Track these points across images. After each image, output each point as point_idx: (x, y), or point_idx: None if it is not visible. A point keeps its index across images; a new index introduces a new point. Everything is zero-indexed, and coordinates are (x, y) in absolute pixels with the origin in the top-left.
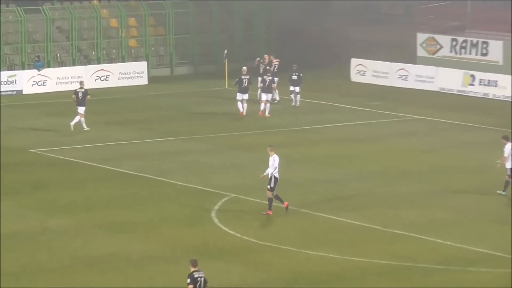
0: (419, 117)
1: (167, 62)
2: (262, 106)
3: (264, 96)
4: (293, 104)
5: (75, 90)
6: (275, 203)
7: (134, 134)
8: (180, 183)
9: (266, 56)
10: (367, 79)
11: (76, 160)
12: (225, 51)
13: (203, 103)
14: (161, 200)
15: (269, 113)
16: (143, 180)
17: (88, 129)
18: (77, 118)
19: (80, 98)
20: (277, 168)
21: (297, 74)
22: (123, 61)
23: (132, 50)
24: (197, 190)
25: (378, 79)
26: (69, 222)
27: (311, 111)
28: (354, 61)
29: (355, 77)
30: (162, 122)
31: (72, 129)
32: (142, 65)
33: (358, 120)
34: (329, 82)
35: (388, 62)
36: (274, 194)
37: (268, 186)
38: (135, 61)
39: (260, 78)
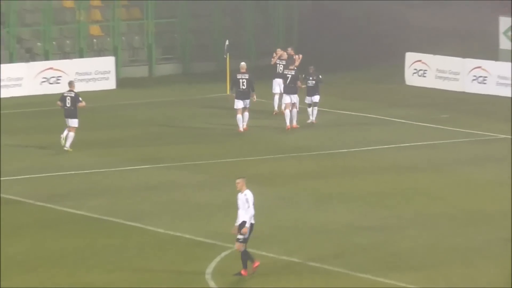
0: (502, 136)
1: (144, 57)
2: (287, 114)
3: (287, 99)
4: (308, 120)
5: (63, 94)
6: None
7: (97, 160)
8: (162, 230)
9: (278, 51)
10: (429, 81)
11: (12, 198)
12: (227, 42)
13: (195, 115)
14: (136, 255)
15: (297, 122)
16: (110, 227)
17: (70, 149)
18: (66, 132)
19: (68, 105)
20: (253, 211)
21: (314, 78)
22: (81, 56)
23: (95, 40)
24: (186, 241)
25: (445, 82)
26: None
27: (349, 128)
28: (411, 57)
29: (411, 79)
30: (137, 143)
31: (63, 142)
32: (108, 62)
33: (416, 140)
34: (374, 86)
35: (459, 58)
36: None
37: (240, 237)
38: (99, 56)
39: (276, 81)
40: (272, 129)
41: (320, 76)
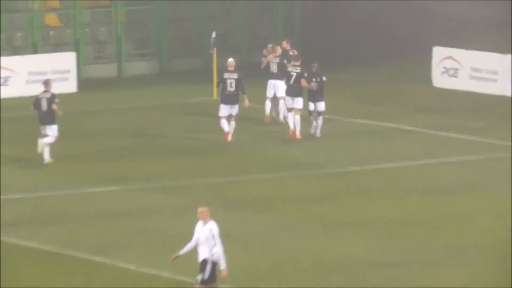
0: None
1: (112, 53)
2: (290, 119)
3: (290, 101)
4: (312, 131)
5: (37, 96)
6: None
7: (53, 180)
8: (134, 267)
9: (269, 47)
10: (461, 82)
11: None
12: (213, 34)
13: (175, 124)
14: None
15: (300, 132)
16: (69, 262)
17: (51, 160)
18: (48, 140)
19: (45, 109)
20: (221, 248)
21: (318, 80)
22: (35, 52)
23: (51, 32)
24: (164, 281)
25: (481, 83)
26: None
27: (363, 139)
28: (439, 52)
29: (440, 79)
30: (102, 159)
31: (39, 150)
32: (68, 59)
33: (447, 155)
34: (394, 88)
35: (498, 54)
36: None
37: (199, 277)
38: (56, 51)
39: (271, 82)
40: (268, 140)
41: (324, 78)
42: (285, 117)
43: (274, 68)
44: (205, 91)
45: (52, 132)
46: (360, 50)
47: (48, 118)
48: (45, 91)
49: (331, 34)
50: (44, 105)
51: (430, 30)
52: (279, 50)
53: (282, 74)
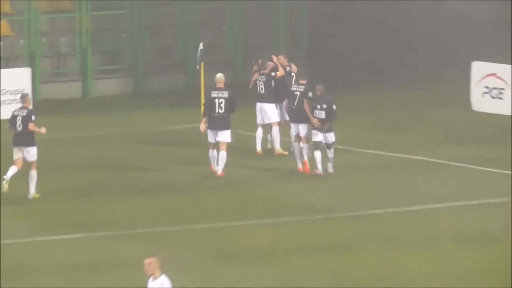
0: None
1: (75, 69)
2: (297, 152)
3: (294, 129)
4: (317, 171)
5: (13, 112)
6: None
7: (2, 224)
8: None
9: (259, 62)
10: (507, 105)
11: None
12: (201, 46)
13: (153, 156)
14: None
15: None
16: None
17: (36, 195)
18: (13, 169)
19: (20, 128)
20: None
21: (325, 106)
22: None
23: (1, 43)
24: None
25: None
26: None
27: (386, 176)
28: (480, 68)
29: (480, 101)
30: (64, 198)
31: (6, 188)
32: (21, 76)
33: (489, 195)
34: (423, 113)
35: None
36: None
37: None
38: (8, 66)
39: (258, 106)
40: (267, 176)
41: (334, 107)
42: (291, 149)
43: (261, 88)
44: (190, 116)
45: (31, 156)
46: (377, 65)
47: (24, 139)
48: (22, 108)
49: (342, 44)
50: (19, 123)
51: (468, 41)
52: (269, 66)
53: (271, 95)
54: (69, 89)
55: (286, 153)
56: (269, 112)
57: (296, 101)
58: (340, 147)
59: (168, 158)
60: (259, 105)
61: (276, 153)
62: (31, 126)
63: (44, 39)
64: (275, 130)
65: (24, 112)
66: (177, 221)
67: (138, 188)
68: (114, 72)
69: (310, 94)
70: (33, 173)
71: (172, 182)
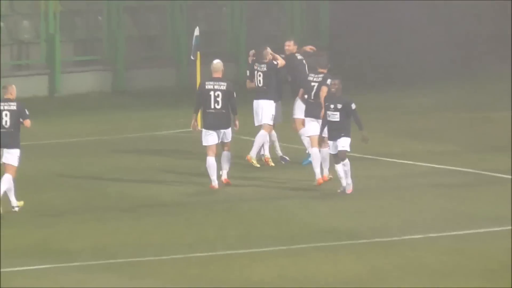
0: None
1: (41, 60)
2: (316, 154)
3: (311, 128)
4: (339, 190)
5: None
6: None
7: None
8: None
9: (252, 53)
10: None
11: None
12: (196, 32)
13: (135, 166)
14: None
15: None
16: None
17: (20, 204)
18: (4, 182)
19: (7, 126)
20: None
21: (339, 106)
22: None
23: None
24: None
25: None
26: None
27: (424, 193)
28: None
29: None
30: (28, 221)
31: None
32: None
33: None
34: (468, 117)
35: None
36: None
37: None
38: None
39: (258, 103)
40: (277, 191)
41: (353, 106)
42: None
43: (258, 80)
44: (183, 117)
45: (11, 159)
46: (406, 63)
47: (10, 138)
48: (6, 100)
49: (369, 35)
50: (6, 120)
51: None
52: (268, 56)
53: (270, 90)
54: (33, 85)
55: (258, 165)
56: (265, 109)
57: (313, 93)
58: (367, 156)
59: (155, 170)
60: (256, 102)
61: (248, 159)
62: (28, 123)
63: (1, 24)
64: (261, 134)
65: (13, 106)
66: (163, 248)
67: (117, 205)
68: (88, 65)
69: (329, 81)
70: (7, 177)
71: (158, 197)
